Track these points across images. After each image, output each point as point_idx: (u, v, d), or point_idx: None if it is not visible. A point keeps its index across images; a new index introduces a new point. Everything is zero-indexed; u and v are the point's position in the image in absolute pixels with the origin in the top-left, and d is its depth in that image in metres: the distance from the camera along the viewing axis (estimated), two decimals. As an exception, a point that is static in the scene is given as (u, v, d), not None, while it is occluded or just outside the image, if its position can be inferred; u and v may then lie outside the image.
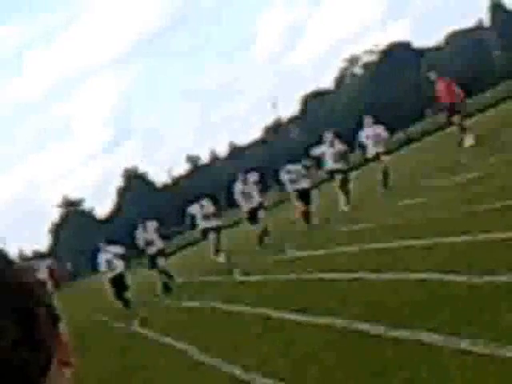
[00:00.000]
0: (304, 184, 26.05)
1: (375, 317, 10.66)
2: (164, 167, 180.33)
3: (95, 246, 26.20)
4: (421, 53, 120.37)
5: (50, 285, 30.55)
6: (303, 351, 10.67)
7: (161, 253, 25.27)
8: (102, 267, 24.89)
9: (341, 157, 26.14)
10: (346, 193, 26.28)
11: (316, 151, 27.20)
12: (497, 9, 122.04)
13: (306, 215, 26.20)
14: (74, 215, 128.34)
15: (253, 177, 26.53)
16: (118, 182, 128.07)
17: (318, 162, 27.38)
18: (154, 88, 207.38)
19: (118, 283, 24.64)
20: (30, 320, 1.49)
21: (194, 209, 26.58)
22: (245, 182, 26.03)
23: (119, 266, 24.70)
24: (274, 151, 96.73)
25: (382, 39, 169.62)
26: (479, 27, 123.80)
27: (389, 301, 11.50)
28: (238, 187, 26.29)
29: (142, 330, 19.66)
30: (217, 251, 26.43)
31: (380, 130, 27.03)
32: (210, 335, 14.89)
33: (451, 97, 26.59)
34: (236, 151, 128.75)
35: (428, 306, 10.27)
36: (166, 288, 24.47)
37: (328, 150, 26.29)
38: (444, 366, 7.75)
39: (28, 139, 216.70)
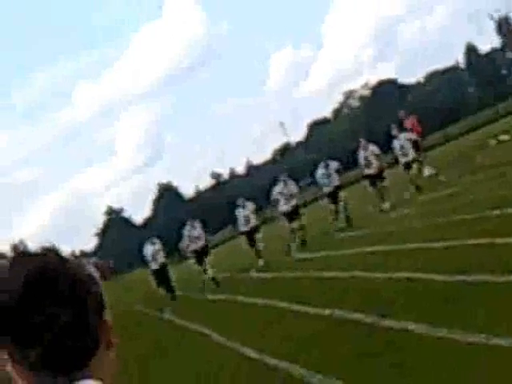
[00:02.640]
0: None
1: (368, 308, 10.69)
2: (191, 182, 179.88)
3: (141, 241, 25.12)
4: (406, 88, 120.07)
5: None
6: (305, 336, 10.70)
7: (205, 249, 23.95)
8: (148, 259, 24.01)
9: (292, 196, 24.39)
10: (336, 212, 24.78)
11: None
12: (471, 52, 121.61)
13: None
14: (115, 221, 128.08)
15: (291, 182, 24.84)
16: (153, 194, 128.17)
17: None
18: (183, 115, 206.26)
19: (161, 274, 23.83)
20: (80, 308, 1.62)
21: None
22: (285, 183, 24.46)
23: (162, 258, 23.84)
24: (283, 170, 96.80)
25: (374, 77, 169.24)
26: (456, 67, 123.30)
27: (379, 295, 11.52)
28: (279, 188, 24.49)
29: (172, 317, 19.67)
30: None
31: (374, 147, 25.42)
32: (229, 322, 14.90)
33: (417, 134, 26.41)
34: (252, 169, 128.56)
35: (413, 300, 10.29)
36: (216, 283, 22.89)
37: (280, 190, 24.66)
38: (426, 351, 7.78)
39: (78, 158, 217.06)
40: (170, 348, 15.14)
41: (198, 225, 23.71)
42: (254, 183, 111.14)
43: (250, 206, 24.56)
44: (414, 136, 25.75)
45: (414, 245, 14.68)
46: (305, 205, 29.25)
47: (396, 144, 25.08)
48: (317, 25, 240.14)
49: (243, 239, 25.26)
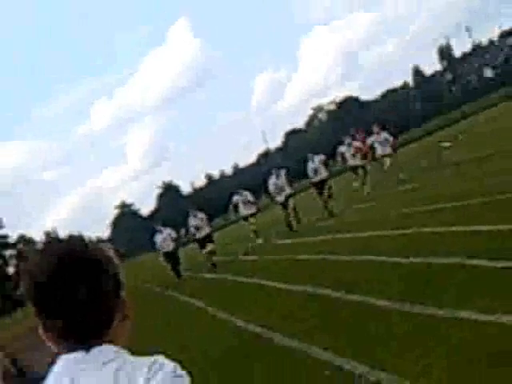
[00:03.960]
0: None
1: (336, 285, 10.64)
2: (189, 181, 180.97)
3: (153, 228, 24.10)
4: (366, 104, 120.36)
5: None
6: (285, 309, 10.64)
7: (208, 237, 22.69)
8: (158, 244, 23.04)
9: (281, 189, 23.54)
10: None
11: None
12: (417, 74, 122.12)
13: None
14: (126, 214, 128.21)
15: (283, 172, 23.84)
16: (158, 191, 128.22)
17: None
18: (182, 127, 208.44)
19: (172, 257, 22.96)
20: (97, 285, 1.66)
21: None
22: (277, 177, 23.55)
23: (171, 244, 22.89)
24: (265, 172, 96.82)
25: (340, 94, 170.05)
26: (405, 86, 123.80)
27: (346, 275, 11.48)
28: (272, 180, 23.61)
29: (173, 293, 19.63)
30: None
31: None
32: (222, 297, 14.85)
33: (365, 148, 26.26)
34: (238, 171, 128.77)
35: (375, 279, 10.25)
36: (213, 265, 21.88)
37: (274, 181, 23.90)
38: (388, 324, 7.72)
39: (95, 162, 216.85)
40: (173, 318, 15.11)
41: (200, 214, 22.69)
42: (240, 182, 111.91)
43: (248, 195, 23.99)
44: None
45: (378, 232, 14.63)
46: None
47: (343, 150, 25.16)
48: (292, 50, 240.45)
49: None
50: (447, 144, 32.17)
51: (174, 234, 23.07)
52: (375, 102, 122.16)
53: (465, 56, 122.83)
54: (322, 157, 23.85)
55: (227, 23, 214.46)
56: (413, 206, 16.48)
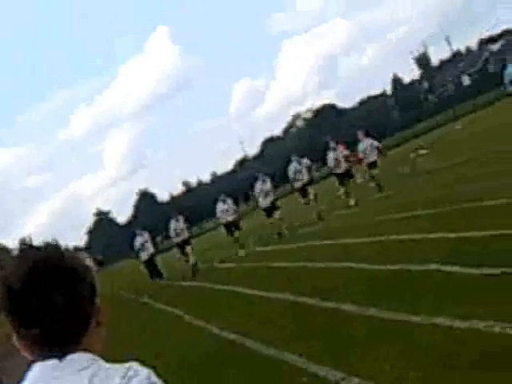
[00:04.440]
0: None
1: (311, 293, 10.68)
2: (166, 189, 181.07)
3: (133, 232, 23.92)
4: (343, 112, 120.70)
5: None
6: (261, 315, 10.67)
7: (187, 241, 22.42)
8: (137, 247, 22.86)
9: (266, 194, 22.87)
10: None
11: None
12: (396, 82, 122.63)
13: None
14: (103, 221, 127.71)
15: (268, 178, 23.21)
16: (134, 198, 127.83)
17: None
18: (160, 134, 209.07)
19: (150, 264, 22.84)
20: (73, 293, 1.66)
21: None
22: (263, 182, 22.88)
23: (150, 248, 22.78)
24: (242, 179, 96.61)
25: (317, 102, 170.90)
26: (383, 94, 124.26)
27: (322, 282, 11.52)
28: (258, 186, 22.95)
29: (149, 300, 19.58)
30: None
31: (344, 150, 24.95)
32: (198, 305, 14.84)
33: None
34: (216, 178, 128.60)
35: (351, 286, 10.30)
36: (194, 274, 21.48)
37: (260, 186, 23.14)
38: (363, 331, 7.78)
39: (74, 169, 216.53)
40: (149, 326, 15.07)
41: (181, 219, 22.60)
42: (218, 190, 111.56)
43: (230, 201, 23.47)
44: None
45: (356, 239, 14.68)
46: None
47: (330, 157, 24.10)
48: (270, 60, 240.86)
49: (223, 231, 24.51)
50: (424, 151, 32.37)
51: (150, 247, 23.25)
52: (353, 109, 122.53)
53: (442, 64, 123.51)
54: (307, 161, 23.81)
55: (206, 31, 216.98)
56: (388, 212, 16.56)
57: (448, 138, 39.24)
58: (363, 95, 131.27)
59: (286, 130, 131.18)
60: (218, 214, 23.34)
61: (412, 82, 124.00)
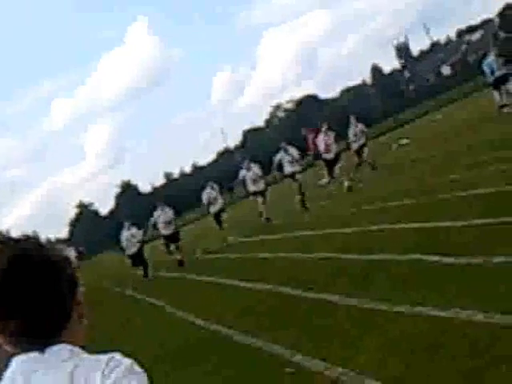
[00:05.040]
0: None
1: (293, 283, 10.70)
2: (148, 180, 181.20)
3: (120, 223, 22.93)
4: (324, 102, 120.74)
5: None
6: (243, 306, 10.67)
7: (176, 234, 21.54)
8: (123, 243, 21.74)
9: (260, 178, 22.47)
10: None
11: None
12: (376, 72, 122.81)
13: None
14: (85, 213, 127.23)
15: (255, 166, 22.64)
16: (116, 190, 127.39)
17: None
18: (141, 125, 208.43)
19: (136, 259, 21.74)
20: (54, 286, 1.66)
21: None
22: (248, 169, 22.46)
23: (137, 243, 21.58)
24: (224, 170, 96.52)
25: (298, 92, 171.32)
26: (364, 84, 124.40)
27: (304, 273, 11.56)
28: (242, 173, 22.77)
29: (133, 292, 19.55)
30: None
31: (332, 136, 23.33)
32: (181, 296, 14.84)
33: (314, 147, 25.60)
34: (197, 170, 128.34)
35: (330, 275, 10.33)
36: (180, 263, 20.88)
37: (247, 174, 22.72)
38: (338, 317, 7.82)
39: (55, 160, 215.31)
40: (131, 317, 15.06)
41: (167, 209, 21.74)
42: (199, 181, 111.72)
43: (216, 188, 23.13)
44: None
45: (330, 230, 14.73)
46: (247, 196, 28.52)
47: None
48: (251, 50, 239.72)
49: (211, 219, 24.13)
50: (405, 141, 32.46)
51: (139, 236, 22.06)
52: (333, 100, 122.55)
53: (422, 54, 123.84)
54: (295, 152, 23.40)
55: (186, 22, 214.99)
56: (368, 203, 16.61)
57: (429, 128, 39.33)
58: (343, 85, 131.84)
59: (268, 121, 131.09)
60: (206, 202, 22.96)
61: (392, 72, 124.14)
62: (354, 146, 24.05)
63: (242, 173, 23.03)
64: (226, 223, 23.47)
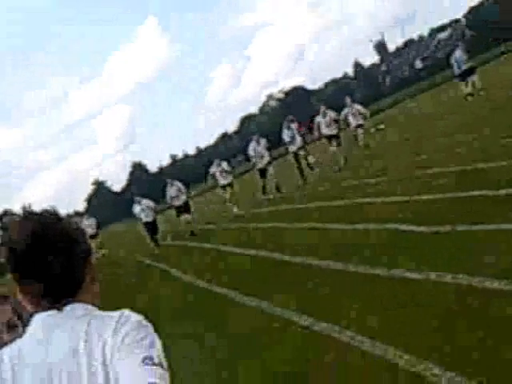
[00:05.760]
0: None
1: (278, 250, 10.74)
2: (156, 161, 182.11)
3: (132, 199, 21.86)
4: (311, 92, 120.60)
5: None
6: (237, 269, 10.72)
7: (184, 206, 20.43)
8: (137, 215, 21.08)
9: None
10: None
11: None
12: (357, 66, 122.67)
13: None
14: (100, 190, 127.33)
15: (263, 141, 21.25)
16: (128, 170, 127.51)
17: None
18: (150, 113, 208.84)
19: (151, 227, 20.99)
20: (70, 255, 1.70)
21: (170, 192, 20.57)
22: (258, 143, 21.05)
23: (150, 214, 20.87)
24: (222, 152, 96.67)
25: (288, 83, 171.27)
26: (346, 77, 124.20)
27: (293, 241, 11.60)
28: (252, 146, 21.16)
29: (143, 259, 19.57)
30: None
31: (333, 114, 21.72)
32: (185, 261, 14.87)
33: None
34: (199, 151, 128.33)
35: (317, 244, 10.36)
36: (192, 233, 19.88)
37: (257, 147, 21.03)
38: (321, 280, 7.84)
39: (73, 144, 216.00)
40: (142, 280, 15.10)
41: (177, 184, 20.64)
42: (201, 162, 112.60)
43: (224, 164, 21.56)
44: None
45: (322, 203, 14.72)
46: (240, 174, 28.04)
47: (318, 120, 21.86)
48: (247, 46, 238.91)
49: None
50: (382, 126, 32.45)
51: (152, 204, 21.30)
52: (319, 90, 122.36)
53: (398, 50, 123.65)
54: (294, 125, 22.47)
55: (190, 21, 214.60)
56: (351, 179, 16.63)
57: (403, 115, 39.32)
58: (328, 78, 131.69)
59: (261, 109, 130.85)
60: (214, 175, 21.77)
61: (371, 66, 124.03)
62: (352, 125, 23.05)
63: (252, 145, 21.42)
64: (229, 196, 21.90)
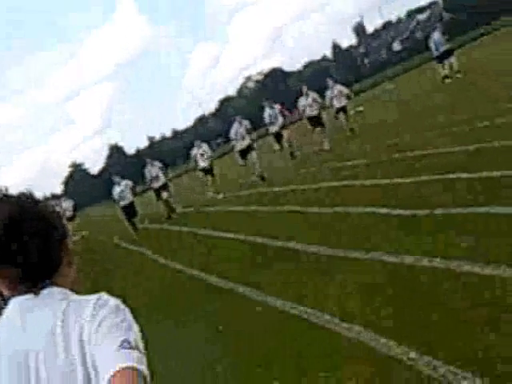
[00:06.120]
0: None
1: (262, 234, 10.73)
2: (133, 143, 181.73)
3: (111, 179, 21.14)
4: (289, 74, 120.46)
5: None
6: (222, 255, 10.68)
7: (164, 187, 20.27)
8: (116, 196, 20.37)
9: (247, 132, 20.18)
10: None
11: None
12: (336, 48, 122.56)
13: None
14: (77, 172, 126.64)
15: (245, 122, 20.38)
16: (106, 152, 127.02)
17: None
18: (127, 94, 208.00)
19: (129, 210, 20.39)
20: (46, 238, 1.69)
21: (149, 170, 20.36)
22: (240, 124, 20.19)
23: (129, 196, 20.21)
24: (200, 134, 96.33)
25: (266, 65, 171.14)
26: (325, 59, 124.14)
27: (272, 224, 11.61)
28: (234, 128, 20.30)
29: (119, 241, 19.51)
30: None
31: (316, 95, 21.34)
32: (163, 245, 14.83)
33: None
34: (177, 133, 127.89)
35: (297, 227, 10.38)
36: (168, 216, 19.96)
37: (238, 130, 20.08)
38: (301, 263, 7.87)
39: (50, 126, 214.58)
40: (119, 263, 15.05)
41: (156, 164, 20.44)
42: (178, 144, 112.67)
43: (205, 146, 20.99)
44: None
45: (301, 186, 14.73)
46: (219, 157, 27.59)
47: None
48: (225, 28, 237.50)
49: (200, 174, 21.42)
50: (361, 108, 32.50)
51: (131, 184, 20.65)
52: (297, 73, 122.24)
53: (376, 32, 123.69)
54: (277, 105, 22.27)
55: (168, 2, 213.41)
56: (331, 162, 16.64)
57: (381, 97, 39.40)
58: (307, 60, 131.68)
59: (239, 91, 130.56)
60: (194, 158, 21.06)
61: (349, 48, 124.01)
62: (334, 107, 22.27)
63: (235, 127, 20.69)
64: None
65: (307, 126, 21.88)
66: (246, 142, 20.37)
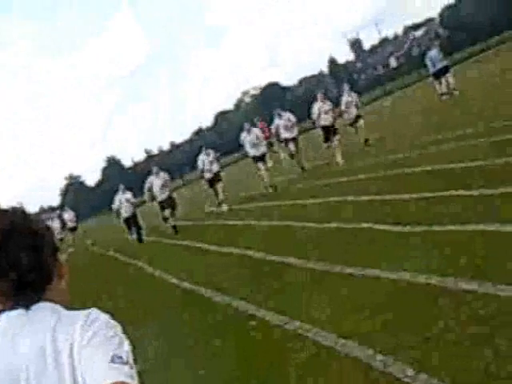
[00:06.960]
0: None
1: (261, 248, 10.71)
2: (130, 156, 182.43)
3: (116, 187, 20.81)
4: (286, 89, 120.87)
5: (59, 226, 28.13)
6: (215, 267, 10.66)
7: (170, 198, 19.03)
8: (116, 206, 20.22)
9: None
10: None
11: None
12: (332, 63, 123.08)
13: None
14: (74, 184, 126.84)
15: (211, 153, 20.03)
16: (103, 164, 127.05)
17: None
18: (126, 106, 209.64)
19: (131, 222, 20.19)
20: (38, 252, 1.69)
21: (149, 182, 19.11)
22: (249, 132, 19.77)
23: (130, 208, 20.05)
24: (198, 147, 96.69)
25: (263, 80, 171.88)
26: (321, 74, 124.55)
27: (269, 238, 11.59)
28: (244, 137, 20.17)
29: (115, 254, 19.47)
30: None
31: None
32: (159, 258, 14.80)
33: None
34: (174, 147, 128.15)
35: (289, 241, 10.36)
36: (175, 230, 18.60)
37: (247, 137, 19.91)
38: (296, 278, 7.84)
39: (49, 138, 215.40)
40: (114, 277, 15.01)
41: (162, 174, 19.13)
42: (175, 157, 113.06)
43: (212, 154, 20.25)
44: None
45: (301, 201, 14.72)
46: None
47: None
48: (222, 42, 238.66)
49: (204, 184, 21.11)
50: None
51: (132, 199, 20.49)
52: (294, 87, 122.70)
53: (373, 48, 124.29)
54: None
55: (166, 15, 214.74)
56: (330, 177, 16.65)
57: (378, 113, 39.51)
58: (303, 75, 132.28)
59: (237, 105, 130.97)
60: (200, 167, 20.28)
61: (346, 64, 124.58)
62: (346, 116, 21.53)
63: (243, 135, 20.50)
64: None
65: (319, 137, 21.21)
66: (214, 170, 20.12)
